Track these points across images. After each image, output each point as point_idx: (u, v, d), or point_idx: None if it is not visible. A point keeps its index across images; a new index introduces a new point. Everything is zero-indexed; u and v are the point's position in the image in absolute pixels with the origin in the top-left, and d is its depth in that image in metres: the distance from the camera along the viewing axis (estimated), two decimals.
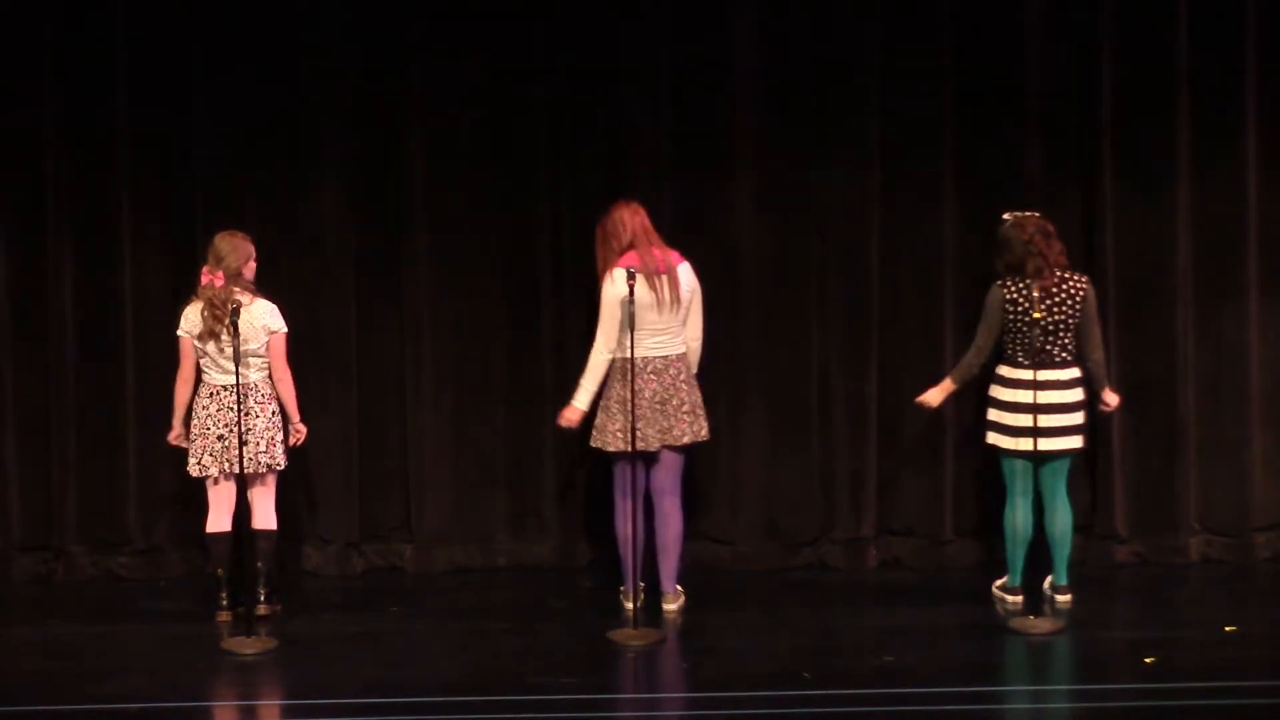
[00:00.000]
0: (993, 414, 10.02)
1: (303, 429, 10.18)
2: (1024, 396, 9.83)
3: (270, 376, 10.07)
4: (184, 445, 10.15)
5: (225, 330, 9.85)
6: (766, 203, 10.96)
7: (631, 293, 9.79)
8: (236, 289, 9.93)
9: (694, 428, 10.06)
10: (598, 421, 10.10)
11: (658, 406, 9.96)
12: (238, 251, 9.99)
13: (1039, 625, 9.75)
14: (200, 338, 9.97)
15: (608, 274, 9.98)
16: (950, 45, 10.91)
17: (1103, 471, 10.95)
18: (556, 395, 10.71)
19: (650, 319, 9.91)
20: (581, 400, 10.11)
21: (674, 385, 10.01)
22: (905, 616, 10.11)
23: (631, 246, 9.95)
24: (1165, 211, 10.96)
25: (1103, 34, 10.86)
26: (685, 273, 10.04)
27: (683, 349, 10.07)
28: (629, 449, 9.93)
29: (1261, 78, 10.92)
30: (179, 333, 10.08)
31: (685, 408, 10.02)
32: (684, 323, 10.05)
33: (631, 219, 9.98)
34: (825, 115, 10.95)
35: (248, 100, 10.90)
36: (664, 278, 9.94)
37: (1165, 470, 11.04)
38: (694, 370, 10.17)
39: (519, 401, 11.05)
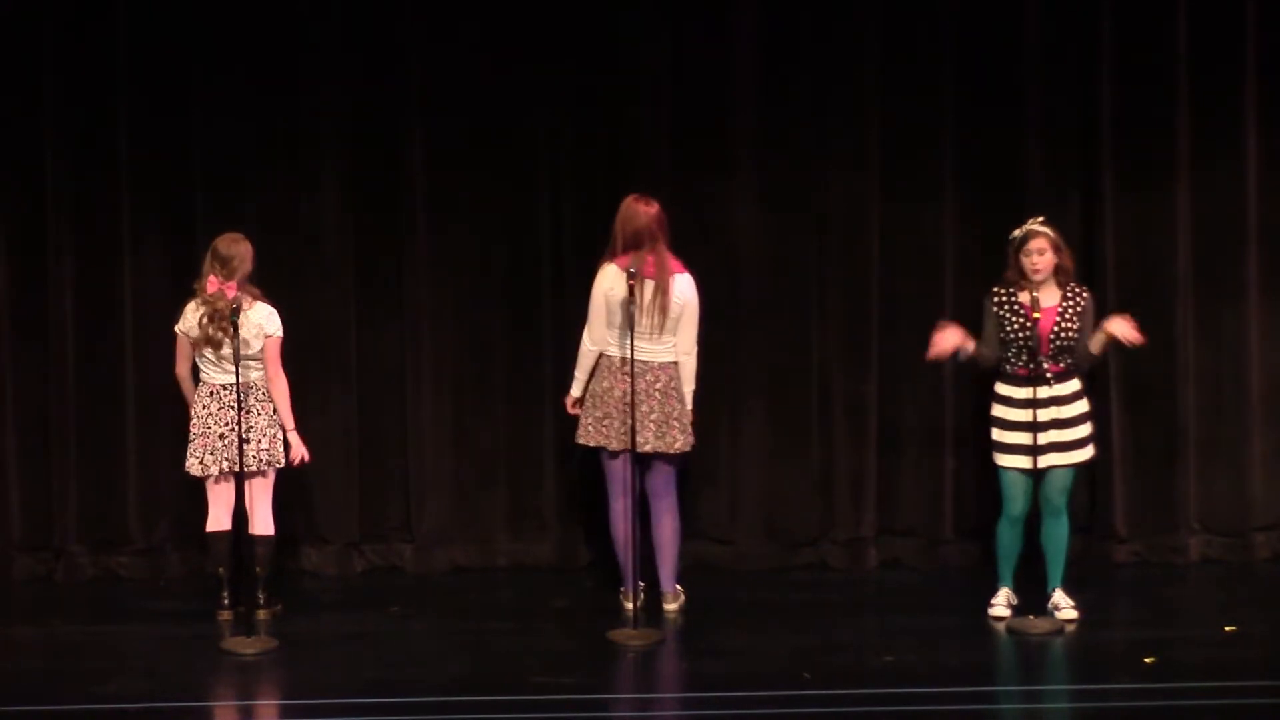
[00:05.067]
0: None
1: (297, 443, 10.06)
2: None
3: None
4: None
5: (224, 334, 9.83)
6: (766, 203, 10.96)
7: (632, 293, 9.79)
8: (245, 294, 9.95)
9: (665, 440, 9.96)
10: (581, 415, 10.11)
11: (625, 409, 9.94)
12: (245, 255, 9.99)
13: (1039, 625, 9.75)
14: (196, 344, 9.96)
15: (600, 268, 10.01)
16: (950, 45, 10.92)
17: (1103, 471, 10.95)
18: (556, 395, 10.71)
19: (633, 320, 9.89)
20: (574, 389, 10.14)
21: (646, 392, 9.95)
22: (905, 616, 10.11)
23: (631, 244, 9.94)
24: (1165, 211, 10.96)
25: (1103, 34, 10.86)
26: (681, 284, 9.99)
27: (669, 358, 10.00)
28: (592, 443, 9.98)
29: (1261, 78, 10.92)
30: (176, 330, 10.07)
31: (654, 416, 9.95)
32: (671, 332, 10.01)
33: (637, 217, 9.95)
34: (825, 115, 10.95)
35: (248, 100, 10.90)
36: (650, 282, 9.90)
37: (1165, 470, 11.04)
38: (689, 385, 10.12)
39: (519, 401, 11.06)
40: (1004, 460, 9.87)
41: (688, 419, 10.07)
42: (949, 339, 9.95)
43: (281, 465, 10.15)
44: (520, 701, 8.71)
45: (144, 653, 9.67)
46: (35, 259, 10.92)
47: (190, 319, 10.02)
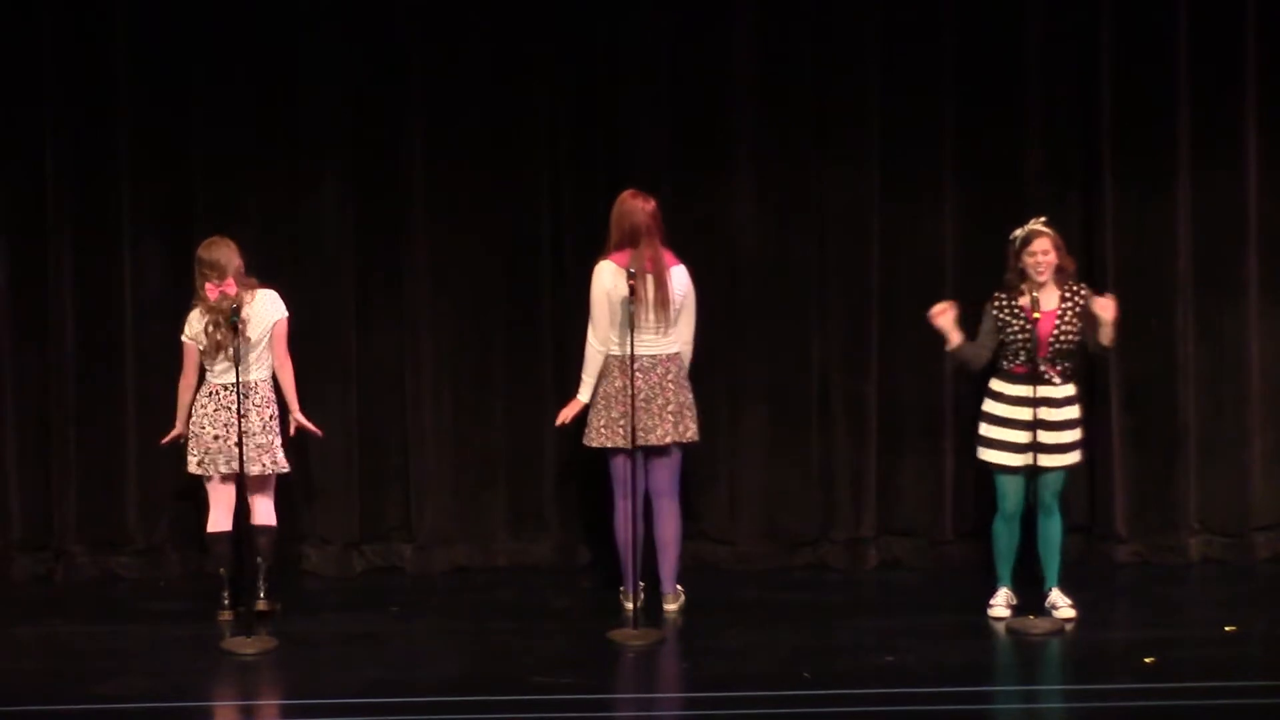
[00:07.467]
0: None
1: (302, 420, 10.12)
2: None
3: (271, 374, 10.09)
4: (180, 441, 10.15)
5: (230, 334, 9.83)
6: (766, 203, 10.97)
7: (633, 292, 9.79)
8: (244, 289, 9.95)
9: (678, 429, 9.98)
10: (589, 418, 10.10)
11: (641, 405, 9.93)
12: (229, 253, 9.99)
13: (1038, 625, 9.75)
14: (206, 353, 9.96)
15: (596, 266, 10.00)
16: (950, 45, 10.92)
17: (1103, 471, 10.95)
18: (556, 395, 10.71)
19: (635, 317, 9.89)
20: (582, 393, 10.11)
21: (659, 385, 9.97)
22: (905, 617, 10.11)
23: (628, 241, 9.93)
24: (1165, 211, 10.96)
25: (1103, 34, 10.87)
26: (679, 276, 10.01)
27: (674, 349, 10.03)
28: (609, 444, 9.96)
29: (1261, 78, 10.92)
30: (183, 338, 10.08)
31: (670, 408, 9.97)
32: (674, 324, 10.01)
33: (634, 213, 9.94)
34: (825, 115, 10.96)
35: (248, 100, 10.90)
36: (649, 277, 9.90)
37: (1165, 470, 11.04)
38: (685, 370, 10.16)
39: (519, 401, 11.06)
40: (991, 456, 9.88)
41: (693, 408, 10.09)
42: (946, 317, 9.93)
43: (284, 470, 10.15)
44: (520, 701, 8.71)
45: (144, 653, 9.67)
46: (35, 258, 10.93)
47: (196, 326, 10.02)
